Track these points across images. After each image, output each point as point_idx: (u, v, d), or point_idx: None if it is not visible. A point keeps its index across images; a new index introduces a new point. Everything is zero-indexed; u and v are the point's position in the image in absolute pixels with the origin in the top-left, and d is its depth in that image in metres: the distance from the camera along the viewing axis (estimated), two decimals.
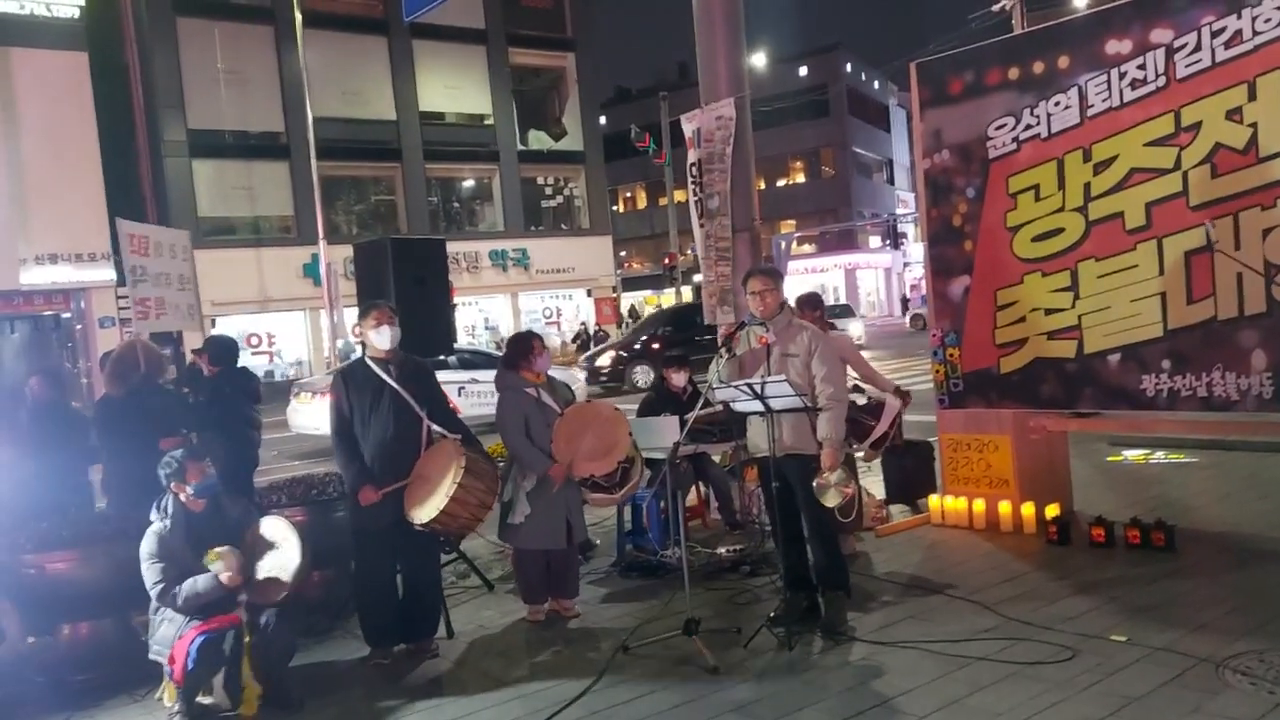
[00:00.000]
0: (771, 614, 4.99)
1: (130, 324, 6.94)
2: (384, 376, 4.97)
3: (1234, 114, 5.33)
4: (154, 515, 4.46)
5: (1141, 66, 5.65)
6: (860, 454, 6.23)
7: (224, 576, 4.30)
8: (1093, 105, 5.86)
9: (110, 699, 4.74)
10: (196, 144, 25.74)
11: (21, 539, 4.94)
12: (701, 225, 7.81)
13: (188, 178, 25.66)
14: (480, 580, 6.31)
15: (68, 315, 23.53)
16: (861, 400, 6.29)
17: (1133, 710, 3.77)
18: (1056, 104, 6.02)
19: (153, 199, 24.28)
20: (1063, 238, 6.07)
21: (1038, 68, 6.10)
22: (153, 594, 4.34)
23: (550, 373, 5.70)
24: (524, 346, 5.53)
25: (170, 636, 4.32)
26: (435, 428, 5.06)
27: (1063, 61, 5.99)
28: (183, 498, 4.47)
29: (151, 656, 4.46)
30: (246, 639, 4.30)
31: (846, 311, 30.21)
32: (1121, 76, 5.73)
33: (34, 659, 5.15)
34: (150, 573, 4.32)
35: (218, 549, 4.35)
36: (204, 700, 4.43)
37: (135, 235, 6.68)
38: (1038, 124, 6.12)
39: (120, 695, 4.77)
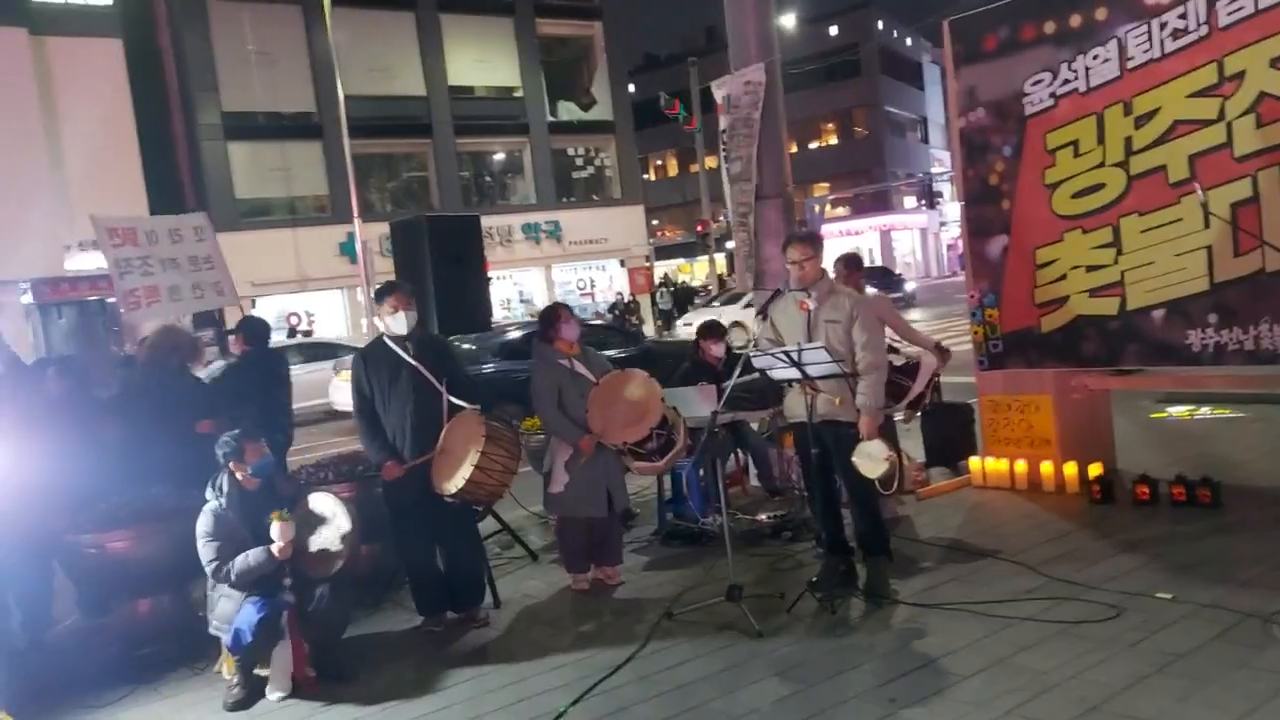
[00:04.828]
0: (813, 579, 5.02)
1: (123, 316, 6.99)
2: (402, 354, 5.04)
3: (1278, 62, 5.20)
4: (209, 494, 4.58)
5: (1183, 16, 5.52)
6: (899, 416, 6.22)
7: (275, 547, 4.42)
8: (1133, 57, 5.74)
9: (171, 672, 4.90)
10: (231, 126, 25.93)
11: (82, 519, 5.09)
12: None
13: (224, 160, 25.89)
14: (524, 551, 6.41)
15: (113, 299, 23.90)
16: (899, 361, 6.26)
17: (1179, 667, 3.77)
18: (1095, 57, 5.90)
19: (190, 182, 24.61)
20: (1104, 193, 5.98)
21: (1075, 21, 5.98)
22: (208, 570, 4.47)
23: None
24: (551, 317, 5.61)
25: (229, 612, 4.45)
26: (455, 400, 5.13)
27: (1100, 13, 5.87)
28: (240, 476, 4.58)
29: (211, 631, 4.60)
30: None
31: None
32: (1162, 27, 5.61)
33: (97, 634, 5.33)
34: (206, 550, 4.45)
35: (281, 510, 4.49)
36: (261, 673, 4.56)
37: (116, 229, 6.80)
38: (1075, 78, 6.01)
39: (181, 669, 4.93)
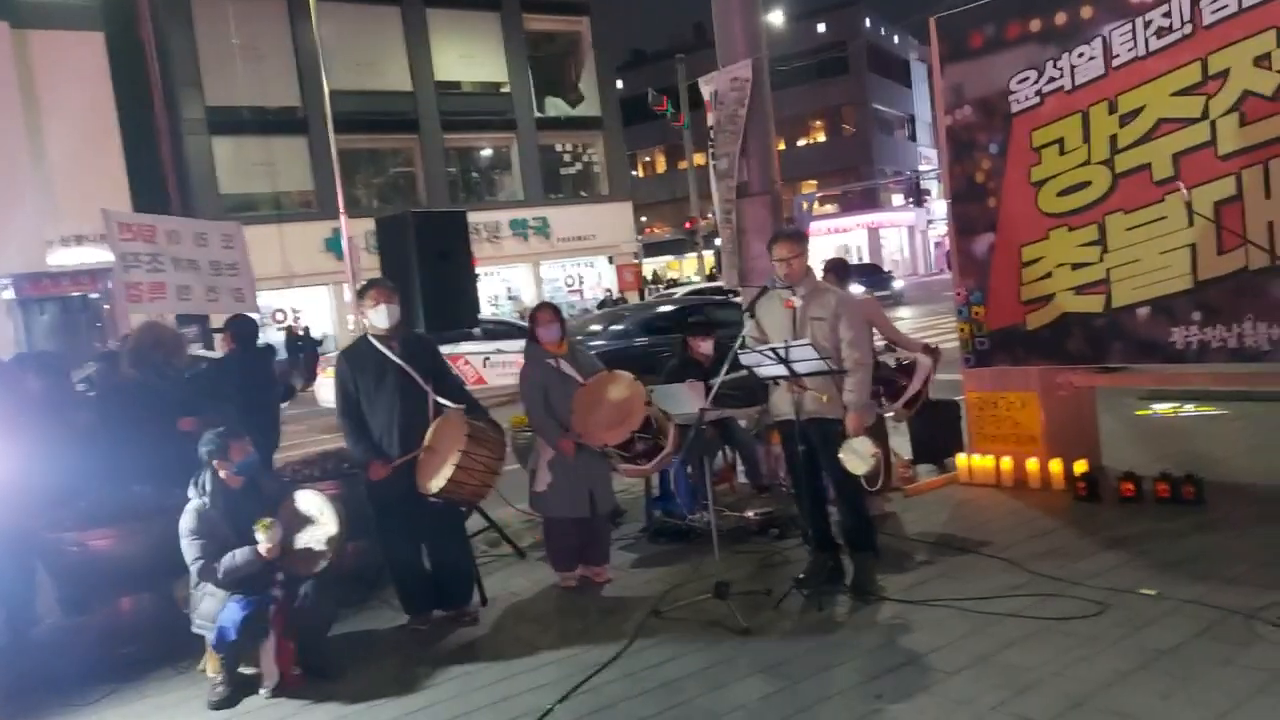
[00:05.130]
0: (800, 575, 5.03)
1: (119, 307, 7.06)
2: (387, 354, 5.01)
3: (1262, 60, 5.23)
4: (192, 492, 4.55)
5: (1167, 14, 5.54)
6: (890, 414, 6.22)
7: (262, 548, 4.39)
8: (1118, 55, 5.77)
9: (154, 671, 4.87)
10: (215, 121, 25.77)
11: (63, 516, 5.04)
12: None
13: (208, 155, 25.74)
14: (511, 548, 6.39)
15: (95, 296, 23.76)
16: (893, 361, 6.27)
17: (1163, 663, 3.79)
18: (1080, 55, 5.92)
19: (174, 177, 24.43)
20: (1089, 191, 6.00)
21: (1060, 19, 6.01)
22: (193, 570, 4.43)
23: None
24: (532, 318, 5.59)
25: (212, 610, 4.42)
26: (441, 400, 5.10)
27: (1086, 11, 5.89)
28: (224, 475, 4.55)
29: (194, 629, 4.57)
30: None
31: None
32: (1146, 25, 5.63)
33: (79, 633, 5.29)
34: (190, 549, 4.41)
35: (266, 519, 4.45)
36: (246, 671, 4.53)
37: (130, 225, 6.88)
38: (1061, 76, 6.03)
39: (164, 667, 4.89)
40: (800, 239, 5.10)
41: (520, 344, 5.83)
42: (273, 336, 7.78)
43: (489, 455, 5.01)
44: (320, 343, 7.31)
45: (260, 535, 4.38)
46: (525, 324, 6.08)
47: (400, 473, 4.94)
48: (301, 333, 7.32)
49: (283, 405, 7.11)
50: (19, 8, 21.57)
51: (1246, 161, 5.34)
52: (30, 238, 20.94)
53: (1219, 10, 5.34)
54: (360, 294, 5.15)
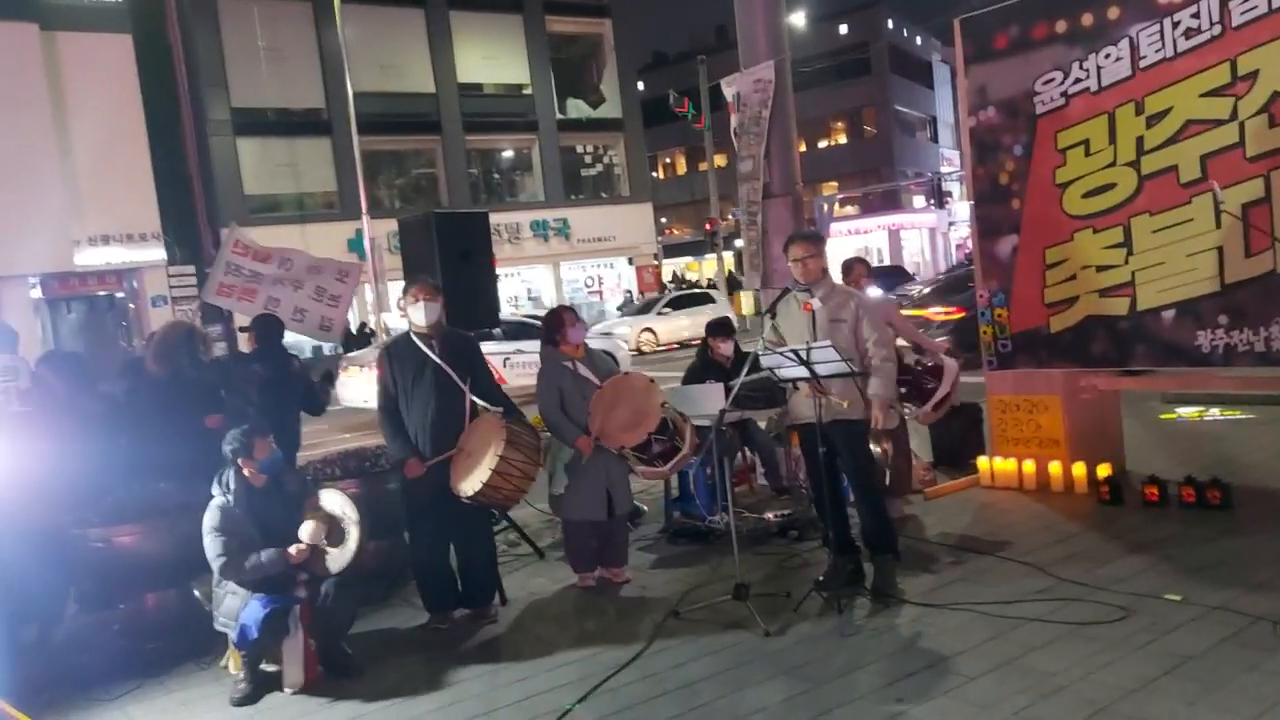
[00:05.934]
0: (819, 578, 5.01)
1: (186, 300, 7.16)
2: (427, 351, 5.04)
3: None
4: (215, 490, 4.59)
5: (1195, 15, 5.49)
6: (911, 415, 6.18)
7: (293, 548, 4.42)
8: (1145, 56, 5.72)
9: (178, 667, 4.90)
10: (240, 122, 26.00)
11: (89, 513, 5.09)
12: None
13: (233, 156, 25.96)
14: (531, 548, 6.40)
15: (121, 295, 24.01)
16: (911, 360, 6.23)
17: (1188, 669, 3.75)
18: (1107, 56, 5.88)
19: (199, 178, 24.63)
20: (1115, 193, 5.95)
21: (1086, 20, 5.96)
22: (215, 567, 4.47)
23: (592, 344, 5.75)
24: (554, 322, 5.56)
25: (235, 609, 4.45)
26: (478, 401, 5.12)
27: (1113, 12, 5.84)
28: (248, 473, 4.59)
29: (217, 627, 4.61)
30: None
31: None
32: (1175, 26, 5.58)
33: (105, 629, 5.33)
34: (213, 546, 4.45)
35: (316, 513, 4.56)
36: (268, 668, 4.56)
37: (249, 246, 7.14)
38: (1087, 77, 5.98)
39: (187, 664, 4.93)
40: (816, 240, 5.10)
41: None
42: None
43: (524, 460, 5.01)
44: (373, 335, 7.37)
45: (307, 524, 4.47)
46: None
47: (435, 472, 4.97)
48: (356, 331, 7.37)
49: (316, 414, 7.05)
50: (47, 10, 21.80)
51: (1275, 163, 5.28)
52: (57, 237, 21.13)
53: (1249, 11, 5.29)
54: (404, 290, 5.21)
